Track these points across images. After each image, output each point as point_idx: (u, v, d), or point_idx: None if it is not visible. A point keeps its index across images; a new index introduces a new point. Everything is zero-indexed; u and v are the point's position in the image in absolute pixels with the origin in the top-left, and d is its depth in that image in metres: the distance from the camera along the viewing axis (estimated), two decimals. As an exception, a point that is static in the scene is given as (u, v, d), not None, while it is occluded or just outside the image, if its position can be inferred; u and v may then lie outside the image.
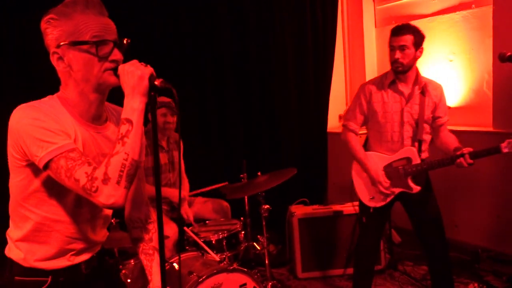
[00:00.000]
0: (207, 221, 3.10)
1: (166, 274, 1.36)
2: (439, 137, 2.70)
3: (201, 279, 2.20)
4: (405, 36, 2.56)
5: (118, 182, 1.22)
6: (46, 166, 1.26)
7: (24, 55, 3.18)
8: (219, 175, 3.72)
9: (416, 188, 2.62)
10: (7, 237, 1.49)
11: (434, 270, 2.79)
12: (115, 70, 1.32)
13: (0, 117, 1.49)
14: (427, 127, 2.67)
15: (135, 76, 1.25)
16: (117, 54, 1.34)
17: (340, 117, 4.85)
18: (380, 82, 2.72)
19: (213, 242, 2.74)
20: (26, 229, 1.42)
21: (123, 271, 2.49)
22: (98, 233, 1.54)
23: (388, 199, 2.68)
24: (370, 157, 2.72)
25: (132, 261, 2.53)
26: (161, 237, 1.31)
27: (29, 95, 1.42)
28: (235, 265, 2.41)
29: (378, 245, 2.85)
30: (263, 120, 4.31)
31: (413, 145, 2.65)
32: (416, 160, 2.61)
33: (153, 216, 1.67)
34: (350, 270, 3.40)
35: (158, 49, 3.66)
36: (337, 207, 3.51)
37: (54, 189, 1.37)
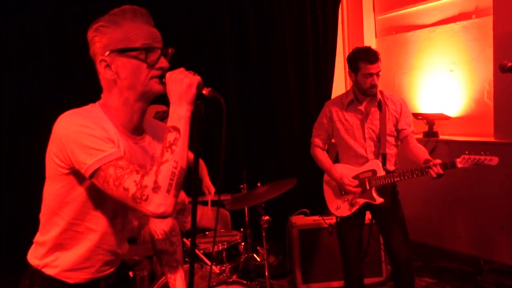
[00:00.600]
0: (206, 232, 3.07)
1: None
2: (408, 149, 2.78)
3: (200, 292, 2.18)
4: (379, 62, 2.69)
5: (168, 191, 1.21)
6: (93, 174, 1.24)
7: (62, 64, 3.22)
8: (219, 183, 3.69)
9: (379, 200, 2.71)
10: (35, 243, 1.46)
11: (398, 281, 2.84)
12: (161, 78, 1.32)
13: (40, 124, 1.47)
14: (391, 140, 2.78)
15: (183, 84, 1.25)
16: (164, 62, 1.34)
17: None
18: (340, 102, 2.86)
19: (213, 253, 2.72)
20: (57, 237, 1.40)
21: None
22: (123, 246, 1.53)
23: (354, 209, 2.78)
24: (339, 168, 2.85)
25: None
26: (193, 249, 1.29)
27: (68, 103, 1.42)
28: (234, 277, 2.39)
29: (359, 256, 2.89)
30: (264, 130, 4.30)
31: (376, 158, 2.76)
32: (381, 173, 2.72)
33: (177, 228, 1.70)
34: (351, 282, 3.37)
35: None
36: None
37: (95, 198, 1.36)
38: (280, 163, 4.36)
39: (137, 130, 1.43)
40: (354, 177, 2.79)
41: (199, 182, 3.38)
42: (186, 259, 2.74)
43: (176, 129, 1.25)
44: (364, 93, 2.74)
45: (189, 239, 2.86)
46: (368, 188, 2.75)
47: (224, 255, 2.74)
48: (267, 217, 2.79)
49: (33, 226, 1.48)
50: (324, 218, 3.32)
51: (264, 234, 2.81)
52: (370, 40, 4.64)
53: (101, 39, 1.33)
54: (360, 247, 2.89)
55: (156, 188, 1.20)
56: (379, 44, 4.63)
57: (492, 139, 3.53)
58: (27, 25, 3.16)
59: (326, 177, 2.95)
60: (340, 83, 4.80)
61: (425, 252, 3.81)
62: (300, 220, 3.52)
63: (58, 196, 1.36)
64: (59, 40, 3.29)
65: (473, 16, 3.74)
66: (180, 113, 1.26)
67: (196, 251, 2.68)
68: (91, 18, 1.37)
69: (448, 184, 2.90)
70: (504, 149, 3.19)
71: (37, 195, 1.43)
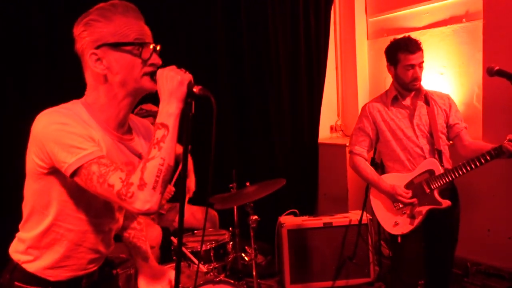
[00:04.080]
0: (195, 231, 3.06)
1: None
2: (464, 147, 2.50)
3: (186, 291, 2.17)
4: (421, 52, 2.45)
5: (154, 188, 1.20)
6: (75, 173, 1.21)
7: (49, 59, 3.19)
8: (208, 183, 3.68)
9: (446, 202, 2.41)
10: (17, 239, 1.45)
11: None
12: (152, 75, 1.31)
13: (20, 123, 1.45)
14: (443, 137, 2.51)
15: (174, 81, 1.24)
16: (157, 59, 1.33)
17: (331, 128, 4.86)
18: (381, 101, 2.62)
19: (201, 252, 2.71)
20: (39, 235, 1.38)
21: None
22: (107, 245, 1.51)
23: (416, 222, 2.42)
24: (387, 179, 2.54)
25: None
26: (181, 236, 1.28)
27: (53, 100, 1.40)
28: (221, 277, 2.39)
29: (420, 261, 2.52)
30: (254, 130, 4.30)
31: (433, 157, 2.47)
32: (439, 171, 2.41)
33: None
34: (339, 282, 3.38)
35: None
36: (327, 219, 3.49)
37: (75, 198, 1.34)
38: (271, 163, 4.35)
39: (122, 127, 1.40)
40: (407, 185, 2.46)
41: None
42: (174, 258, 2.73)
43: (164, 126, 1.24)
44: (406, 87, 2.50)
45: (177, 238, 2.85)
46: (428, 191, 2.42)
47: (212, 254, 2.73)
48: (255, 217, 2.78)
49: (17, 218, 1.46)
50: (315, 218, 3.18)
51: (252, 233, 2.80)
52: (361, 42, 4.66)
53: (91, 34, 1.30)
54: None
55: (142, 185, 1.18)
56: (370, 46, 4.65)
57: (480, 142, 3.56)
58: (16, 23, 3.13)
59: (373, 191, 2.61)
60: (332, 83, 4.82)
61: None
62: (289, 220, 3.52)
63: (39, 195, 1.35)
64: (50, 36, 3.25)
65: (464, 20, 3.77)
66: (169, 110, 1.24)
67: (184, 249, 2.66)
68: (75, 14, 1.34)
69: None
70: (492, 152, 3.21)
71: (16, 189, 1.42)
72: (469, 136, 2.54)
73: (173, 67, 1.28)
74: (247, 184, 2.85)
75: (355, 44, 4.64)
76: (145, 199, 1.19)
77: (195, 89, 1.26)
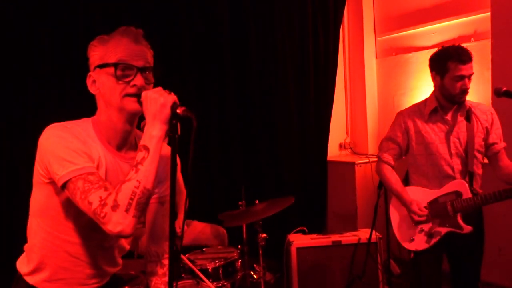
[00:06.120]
0: (204, 249, 3.06)
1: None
2: (499, 167, 2.39)
3: (195, 308, 2.16)
4: (472, 63, 2.30)
5: (127, 210, 1.20)
6: (64, 185, 1.26)
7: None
8: (217, 201, 3.70)
9: (467, 228, 2.30)
10: (24, 249, 1.49)
11: None
12: (138, 97, 1.32)
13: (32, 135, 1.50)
14: (479, 156, 2.38)
15: (157, 103, 1.24)
16: (138, 80, 1.33)
17: (340, 145, 4.86)
18: (418, 111, 2.46)
19: (209, 270, 2.70)
20: (38, 244, 1.42)
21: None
22: (111, 263, 1.52)
23: (433, 241, 2.33)
24: (412, 192, 2.43)
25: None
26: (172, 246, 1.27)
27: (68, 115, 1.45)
28: (230, 294, 2.37)
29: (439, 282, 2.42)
30: (263, 148, 4.31)
31: (463, 178, 2.35)
32: (467, 195, 2.29)
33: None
34: (348, 302, 3.34)
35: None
36: (336, 237, 3.47)
37: (71, 210, 1.37)
38: (280, 181, 4.36)
39: (124, 145, 1.44)
40: (431, 202, 2.37)
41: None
42: (183, 275, 2.73)
43: (146, 148, 1.25)
44: (452, 99, 2.34)
45: (186, 255, 2.85)
46: (451, 214, 2.31)
47: (220, 272, 2.73)
48: (264, 235, 2.78)
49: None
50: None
51: (261, 251, 2.80)
52: (370, 61, 4.70)
53: (90, 57, 1.38)
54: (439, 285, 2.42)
55: (115, 207, 1.20)
56: (379, 65, 4.69)
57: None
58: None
59: (394, 201, 2.50)
60: (341, 101, 4.85)
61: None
62: (298, 238, 3.51)
63: (39, 204, 1.40)
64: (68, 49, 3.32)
65: (472, 39, 3.79)
66: (152, 133, 1.25)
67: (193, 267, 2.66)
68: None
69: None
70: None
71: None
72: (507, 156, 2.40)
73: (159, 89, 1.29)
74: (256, 201, 2.85)
75: (363, 62, 4.68)
76: (117, 221, 1.19)
77: (178, 110, 1.25)
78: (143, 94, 1.29)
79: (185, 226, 3.30)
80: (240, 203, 2.98)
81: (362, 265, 3.29)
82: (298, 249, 3.42)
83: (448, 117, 2.40)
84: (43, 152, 1.30)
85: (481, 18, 3.70)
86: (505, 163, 2.38)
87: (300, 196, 3.43)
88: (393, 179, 2.48)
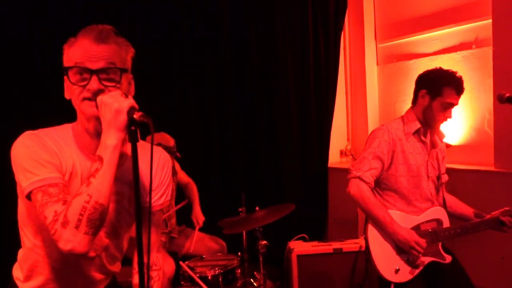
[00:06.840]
0: (203, 256, 3.04)
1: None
2: (443, 200, 2.38)
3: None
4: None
5: (76, 227, 1.11)
6: (28, 196, 1.21)
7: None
8: (218, 208, 3.67)
9: (448, 257, 2.24)
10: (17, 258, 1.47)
11: None
12: (96, 101, 1.22)
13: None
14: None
15: (111, 109, 1.14)
16: (92, 84, 1.23)
17: (341, 152, 4.85)
18: (401, 129, 2.32)
19: (209, 277, 2.68)
20: (25, 254, 1.40)
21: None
22: (103, 272, 1.46)
23: (417, 271, 2.19)
24: (393, 216, 2.24)
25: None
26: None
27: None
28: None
29: None
30: (263, 155, 4.30)
31: (439, 203, 2.29)
32: (447, 223, 2.24)
33: (159, 263, 1.54)
34: (349, 310, 3.31)
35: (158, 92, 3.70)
36: (337, 244, 3.44)
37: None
38: (280, 188, 4.34)
39: None
40: (413, 228, 2.22)
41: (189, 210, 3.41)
42: (182, 283, 2.71)
43: (100, 158, 1.16)
44: (430, 123, 2.29)
45: (186, 262, 2.83)
46: (435, 242, 2.23)
47: (220, 280, 2.71)
48: (264, 242, 2.77)
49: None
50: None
51: (261, 259, 2.78)
52: (371, 68, 4.70)
53: (63, 58, 1.32)
54: None
55: (65, 223, 1.12)
56: (380, 72, 4.68)
57: (492, 168, 3.52)
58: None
59: (371, 230, 2.24)
60: (342, 108, 4.84)
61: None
62: (298, 245, 3.48)
63: (22, 214, 1.37)
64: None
65: (473, 46, 3.79)
66: (107, 142, 1.16)
67: (192, 274, 2.64)
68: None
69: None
70: (504, 179, 3.18)
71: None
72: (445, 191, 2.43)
73: (116, 92, 1.18)
74: (257, 208, 2.83)
75: (364, 69, 4.67)
76: (67, 238, 1.12)
77: (135, 116, 1.13)
78: (98, 99, 1.19)
79: (186, 237, 3.29)
80: (240, 209, 2.96)
81: (363, 273, 3.26)
82: (298, 256, 3.39)
83: (427, 139, 2.35)
84: (12, 162, 1.26)
85: (482, 25, 3.69)
86: (446, 196, 2.38)
87: (300, 203, 3.41)
88: (378, 204, 2.23)
